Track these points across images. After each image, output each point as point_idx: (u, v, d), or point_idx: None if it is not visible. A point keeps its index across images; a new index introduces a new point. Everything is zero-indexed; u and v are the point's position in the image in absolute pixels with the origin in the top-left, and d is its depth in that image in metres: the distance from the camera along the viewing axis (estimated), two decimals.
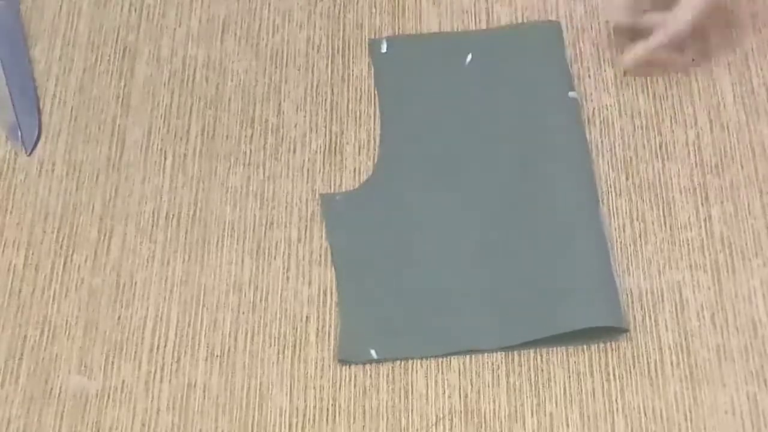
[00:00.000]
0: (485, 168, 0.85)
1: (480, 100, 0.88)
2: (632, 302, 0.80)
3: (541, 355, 0.78)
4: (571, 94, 0.87)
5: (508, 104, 0.87)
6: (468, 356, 0.79)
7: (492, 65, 0.90)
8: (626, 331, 0.78)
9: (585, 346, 0.78)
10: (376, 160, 0.87)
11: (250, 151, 0.88)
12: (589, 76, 0.89)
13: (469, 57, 0.90)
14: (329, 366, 0.79)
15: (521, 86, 0.88)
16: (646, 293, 0.80)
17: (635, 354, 0.78)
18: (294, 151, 0.88)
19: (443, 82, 0.90)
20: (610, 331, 0.78)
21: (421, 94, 0.89)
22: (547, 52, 0.90)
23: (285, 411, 0.77)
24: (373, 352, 0.79)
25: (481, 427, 0.76)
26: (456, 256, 0.82)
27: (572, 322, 0.78)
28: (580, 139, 0.86)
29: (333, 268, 0.82)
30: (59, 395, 0.79)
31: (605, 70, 0.89)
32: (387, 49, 0.91)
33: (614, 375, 0.77)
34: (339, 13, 0.94)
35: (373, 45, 0.92)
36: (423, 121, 0.88)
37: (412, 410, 0.77)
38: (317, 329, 0.80)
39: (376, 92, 0.90)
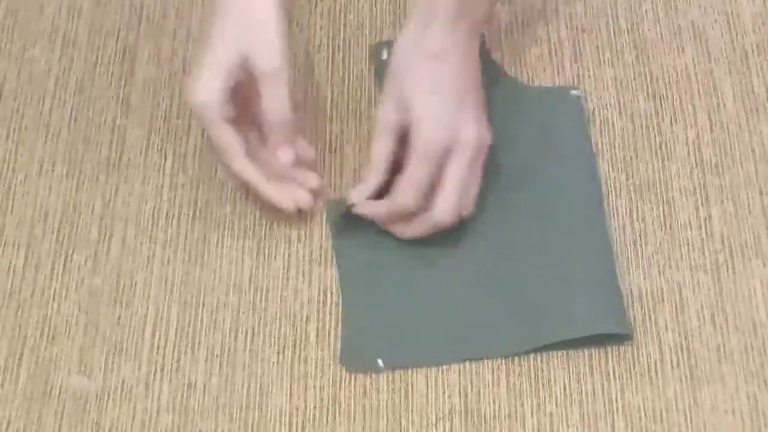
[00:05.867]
0: (490, 172, 0.84)
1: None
2: (632, 302, 0.79)
3: (541, 356, 0.78)
4: (573, 92, 0.87)
5: (510, 104, 0.87)
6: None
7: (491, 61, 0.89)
8: (630, 337, 0.78)
9: (585, 347, 0.78)
10: None
11: None
12: (589, 76, 0.89)
13: None
14: (329, 366, 0.79)
15: (523, 86, 0.88)
16: (646, 293, 0.80)
17: (635, 354, 0.78)
18: None
19: None
20: (614, 336, 0.78)
21: None
22: None
23: (285, 411, 0.77)
24: (380, 361, 0.78)
25: (481, 427, 0.76)
26: (462, 264, 0.81)
27: (578, 329, 0.77)
28: (584, 139, 0.85)
29: (337, 273, 0.82)
30: (59, 395, 0.79)
31: (605, 70, 0.89)
32: (388, 55, 0.91)
33: (614, 375, 0.77)
34: (339, 13, 0.94)
35: (376, 50, 0.91)
36: None
37: (412, 410, 0.77)
38: (317, 329, 0.80)
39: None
